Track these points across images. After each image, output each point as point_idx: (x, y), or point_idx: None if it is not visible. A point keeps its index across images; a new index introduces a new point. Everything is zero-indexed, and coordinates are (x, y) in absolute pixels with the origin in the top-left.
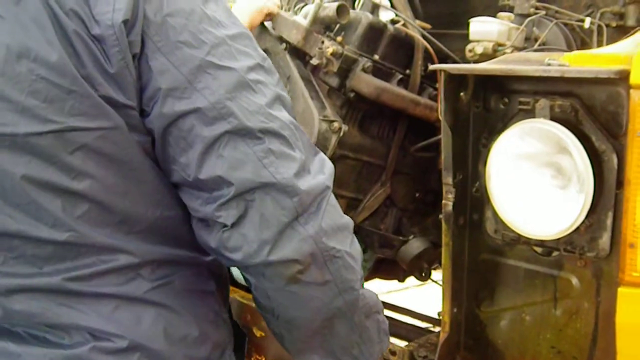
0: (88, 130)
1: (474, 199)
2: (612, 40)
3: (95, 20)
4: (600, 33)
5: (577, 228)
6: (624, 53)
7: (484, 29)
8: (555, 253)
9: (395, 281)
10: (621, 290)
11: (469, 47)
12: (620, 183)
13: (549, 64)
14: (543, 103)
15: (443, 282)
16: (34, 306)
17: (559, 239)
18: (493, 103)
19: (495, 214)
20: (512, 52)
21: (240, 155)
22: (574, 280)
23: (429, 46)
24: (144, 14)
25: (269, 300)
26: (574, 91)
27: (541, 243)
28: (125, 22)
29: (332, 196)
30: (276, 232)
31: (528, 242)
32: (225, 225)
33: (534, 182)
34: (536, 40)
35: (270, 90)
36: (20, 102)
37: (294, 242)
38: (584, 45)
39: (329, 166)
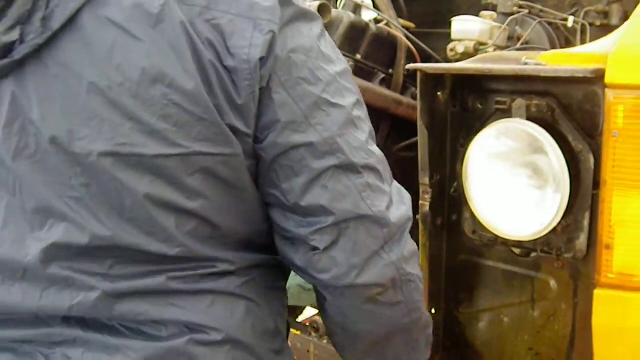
0: (211, 155)
1: (452, 200)
2: (596, 39)
3: (229, 53)
4: (584, 32)
5: (554, 229)
6: (601, 52)
7: (465, 28)
8: (533, 254)
9: None
10: (597, 292)
11: (450, 46)
12: (597, 183)
13: (525, 63)
14: (519, 103)
15: None
16: (140, 306)
17: (536, 240)
18: (470, 103)
19: (473, 214)
20: (494, 51)
21: (343, 189)
22: (552, 282)
23: (411, 46)
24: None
25: (342, 316)
26: (551, 91)
27: (519, 244)
28: (261, 59)
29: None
30: (365, 258)
31: (506, 243)
32: (316, 249)
33: (511, 183)
34: (519, 39)
35: (367, 125)
36: (151, 125)
37: (379, 268)
38: (568, 44)
39: (407, 196)
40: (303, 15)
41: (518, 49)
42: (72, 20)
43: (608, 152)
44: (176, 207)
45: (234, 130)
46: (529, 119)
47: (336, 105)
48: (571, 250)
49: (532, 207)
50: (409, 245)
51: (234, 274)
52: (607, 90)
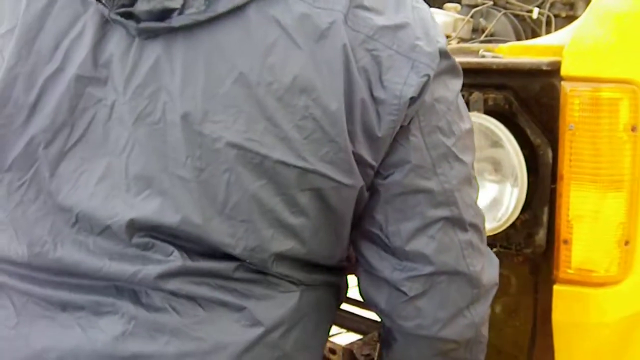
0: (330, 179)
1: None
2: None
3: (382, 85)
4: (549, 24)
5: (513, 224)
6: (558, 44)
7: None
8: (492, 250)
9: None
10: (557, 288)
11: None
12: (555, 178)
13: (482, 56)
14: (476, 96)
15: None
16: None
17: (495, 235)
18: None
19: None
20: (457, 44)
21: (448, 242)
22: (512, 277)
23: None
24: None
25: (407, 358)
26: (508, 84)
27: None
28: (411, 98)
29: None
30: (452, 313)
31: None
32: (404, 295)
33: None
34: (484, 31)
35: (476, 185)
36: (285, 131)
37: (461, 326)
38: (534, 35)
39: (496, 260)
40: (453, 70)
41: (482, 42)
42: (238, 9)
43: (564, 145)
44: (278, 219)
45: (360, 160)
46: (486, 112)
47: (461, 161)
48: (530, 245)
49: (491, 201)
50: (488, 308)
51: (297, 291)
52: (563, 82)
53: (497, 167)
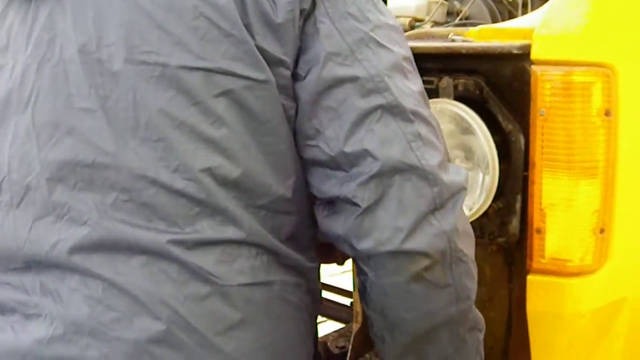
0: (237, 76)
1: None
2: None
3: None
4: (525, 5)
5: (486, 212)
6: (529, 27)
7: (401, 4)
8: None
9: (335, 264)
10: (530, 278)
11: None
12: (528, 165)
13: (452, 40)
14: (446, 82)
15: (353, 271)
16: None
17: None
18: None
19: None
20: (431, 27)
21: (391, 133)
22: (486, 267)
23: None
24: None
25: (385, 297)
26: (479, 68)
27: None
28: None
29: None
30: (413, 221)
31: None
32: (357, 208)
33: None
34: (459, 14)
35: (419, 84)
36: (178, 35)
37: (428, 235)
38: (511, 18)
39: (465, 172)
40: None
41: (457, 25)
42: None
43: (536, 132)
44: (197, 131)
45: (267, 56)
46: (456, 98)
47: (386, 48)
48: (504, 234)
49: None
50: (463, 221)
51: (240, 246)
52: (533, 66)
53: (468, 154)
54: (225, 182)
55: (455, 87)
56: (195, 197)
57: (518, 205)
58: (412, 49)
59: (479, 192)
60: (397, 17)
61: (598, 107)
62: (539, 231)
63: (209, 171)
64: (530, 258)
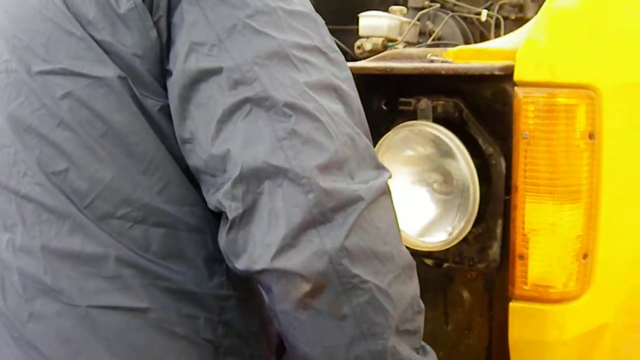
0: (78, 75)
1: None
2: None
3: None
4: (498, 26)
5: (465, 238)
6: (510, 47)
7: (373, 24)
8: (445, 265)
9: None
10: (512, 305)
11: (357, 43)
12: (509, 189)
13: (431, 61)
14: (424, 103)
15: None
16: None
17: (447, 249)
18: (375, 104)
19: None
20: (404, 47)
21: (258, 131)
22: (465, 294)
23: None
24: None
25: (280, 326)
26: (458, 89)
27: (429, 254)
28: None
29: (380, 218)
30: (284, 234)
31: (416, 253)
32: (226, 221)
33: (419, 189)
34: (431, 34)
35: (322, 75)
36: (27, 41)
37: (304, 255)
38: (483, 38)
39: (377, 184)
40: None
41: (429, 45)
42: None
43: (519, 155)
44: (41, 134)
45: (115, 49)
46: (435, 120)
47: (263, 34)
48: (484, 260)
49: (441, 215)
50: (365, 238)
51: (97, 261)
52: (516, 88)
53: (447, 177)
54: (72, 189)
55: (434, 108)
56: (43, 202)
57: (499, 230)
58: (390, 69)
59: (458, 217)
60: (369, 36)
61: (582, 130)
62: (521, 257)
63: (54, 176)
64: (512, 284)
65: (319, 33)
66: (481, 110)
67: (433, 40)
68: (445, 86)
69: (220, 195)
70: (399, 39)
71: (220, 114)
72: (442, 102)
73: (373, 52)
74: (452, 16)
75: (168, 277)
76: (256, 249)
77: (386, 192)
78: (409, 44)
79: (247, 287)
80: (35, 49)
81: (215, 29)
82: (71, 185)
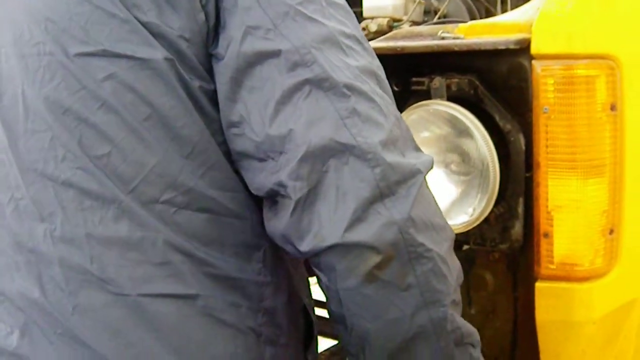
0: (121, 57)
1: None
2: (517, 8)
3: None
4: (504, 2)
5: (487, 218)
6: (524, 20)
7: (377, 4)
8: (465, 247)
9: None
10: (539, 285)
11: (362, 24)
12: (529, 165)
13: (442, 38)
14: (438, 82)
15: None
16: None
17: (468, 231)
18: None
19: None
20: (410, 27)
21: (320, 111)
22: (488, 276)
23: None
24: None
25: (340, 306)
26: (472, 66)
27: None
28: None
29: (429, 192)
30: (354, 209)
31: None
32: (290, 201)
33: (437, 171)
34: (436, 12)
35: (365, 60)
36: (63, 24)
37: (375, 227)
38: (488, 15)
39: (427, 157)
40: None
41: (435, 23)
42: None
43: (539, 130)
44: (82, 117)
45: (161, 31)
46: (450, 98)
47: (314, 21)
48: (507, 240)
49: (460, 195)
50: (425, 209)
51: (144, 248)
52: (533, 62)
53: (465, 157)
54: (116, 173)
55: (448, 87)
56: (85, 187)
57: (520, 209)
58: (401, 48)
59: (478, 198)
60: (374, 17)
61: (603, 102)
62: (546, 235)
63: (97, 159)
64: (537, 264)
65: (354, 24)
66: (497, 86)
67: (439, 18)
68: (459, 63)
69: (284, 176)
70: (404, 18)
71: (279, 95)
72: (456, 80)
73: (379, 33)
74: None
75: (213, 263)
76: (323, 227)
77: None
78: (414, 23)
79: (281, 274)
80: (72, 31)
81: (269, 14)
82: (115, 170)
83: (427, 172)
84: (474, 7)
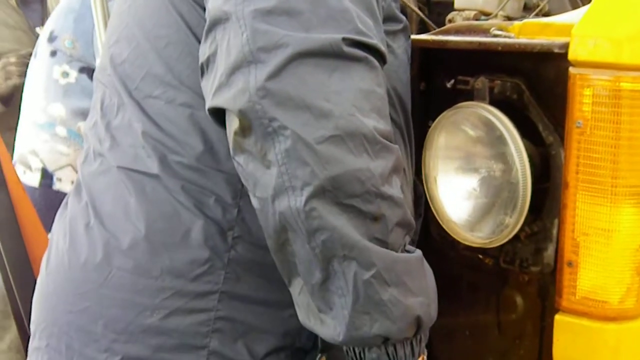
0: None
1: (420, 195)
2: None
3: None
4: None
5: (517, 236)
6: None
7: None
8: (488, 260)
9: None
10: (558, 318)
11: (449, 16)
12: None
13: (494, 35)
14: (481, 83)
15: None
16: None
17: (501, 247)
18: (438, 82)
19: (436, 212)
20: (503, 21)
21: None
22: (518, 298)
23: (424, 16)
24: None
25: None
26: (520, 69)
27: (483, 251)
28: None
29: (319, 73)
30: (221, 72)
31: (469, 248)
32: (202, 66)
33: (470, 178)
34: (536, 8)
35: None
36: None
37: (232, 92)
38: None
39: (327, 39)
40: None
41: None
42: None
43: (571, 147)
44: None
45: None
46: (494, 102)
47: None
48: (538, 262)
49: (490, 207)
50: (297, 87)
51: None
52: (570, 68)
53: (498, 166)
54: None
55: (491, 89)
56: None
57: (555, 231)
58: (444, 43)
59: (507, 212)
60: (462, 9)
61: None
62: (570, 264)
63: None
64: (559, 294)
65: None
66: (543, 93)
67: (537, 15)
68: (507, 64)
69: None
70: (497, 12)
71: None
72: (500, 82)
73: None
74: None
75: (181, 152)
76: (208, 92)
77: (340, 55)
78: (508, 18)
79: None
80: None
81: None
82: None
83: (307, 50)
84: (580, 4)
